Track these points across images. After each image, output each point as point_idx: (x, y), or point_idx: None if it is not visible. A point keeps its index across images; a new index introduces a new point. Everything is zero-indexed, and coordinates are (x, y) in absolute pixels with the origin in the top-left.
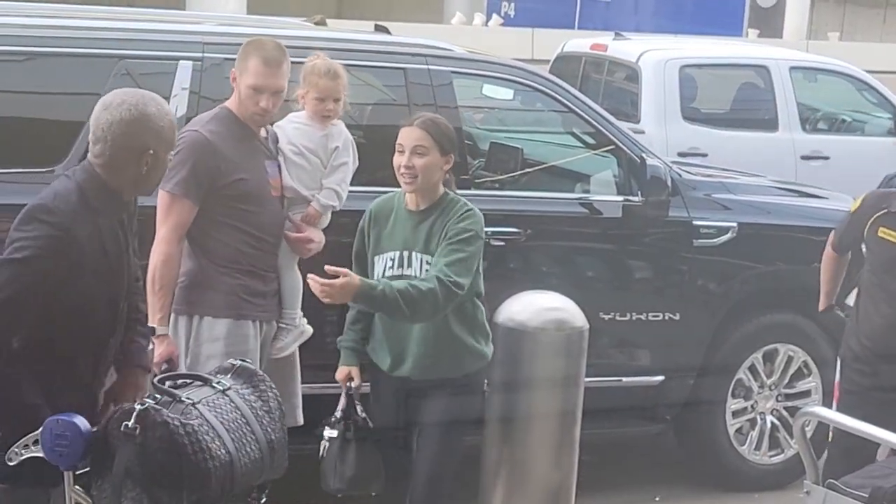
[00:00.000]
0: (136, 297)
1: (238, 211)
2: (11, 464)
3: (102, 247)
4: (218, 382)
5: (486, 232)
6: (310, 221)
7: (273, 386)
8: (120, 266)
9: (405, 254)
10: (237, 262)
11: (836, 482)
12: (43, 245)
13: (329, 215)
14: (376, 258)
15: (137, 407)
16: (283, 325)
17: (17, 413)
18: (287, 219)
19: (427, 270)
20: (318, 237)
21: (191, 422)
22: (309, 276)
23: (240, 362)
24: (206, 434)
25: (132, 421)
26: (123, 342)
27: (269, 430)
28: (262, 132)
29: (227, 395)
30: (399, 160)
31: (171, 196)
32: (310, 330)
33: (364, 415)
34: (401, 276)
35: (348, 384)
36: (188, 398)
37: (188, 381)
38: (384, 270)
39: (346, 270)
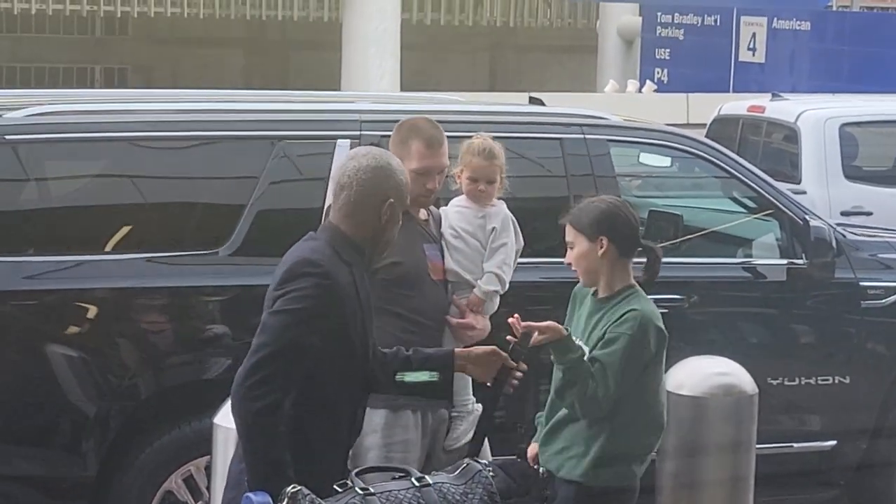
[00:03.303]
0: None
1: (394, 295)
2: None
3: (359, 297)
4: (420, 478)
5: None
6: (473, 308)
7: (491, 486)
8: (371, 319)
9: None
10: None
11: None
12: (315, 295)
13: (496, 300)
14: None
15: (288, 490)
16: (456, 414)
17: (261, 467)
18: (452, 303)
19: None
20: (481, 324)
21: None
22: (514, 316)
23: (468, 461)
24: None
25: (285, 502)
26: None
27: None
28: (423, 213)
29: (420, 491)
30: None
31: None
32: (480, 407)
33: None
34: None
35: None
36: (364, 488)
37: (397, 474)
38: None
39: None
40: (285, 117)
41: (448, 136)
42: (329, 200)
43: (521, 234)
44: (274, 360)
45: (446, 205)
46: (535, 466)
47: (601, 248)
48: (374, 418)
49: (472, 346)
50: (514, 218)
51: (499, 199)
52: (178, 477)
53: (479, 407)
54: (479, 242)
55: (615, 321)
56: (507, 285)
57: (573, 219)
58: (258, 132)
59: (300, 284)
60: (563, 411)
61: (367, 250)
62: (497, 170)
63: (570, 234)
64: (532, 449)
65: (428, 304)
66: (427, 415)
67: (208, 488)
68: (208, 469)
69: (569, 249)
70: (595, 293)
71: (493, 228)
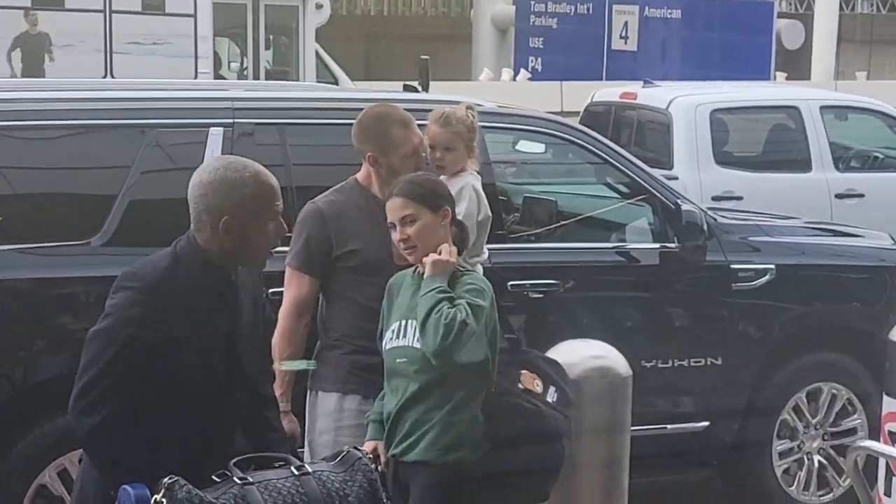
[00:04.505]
0: (259, 381)
1: (353, 283)
2: None
3: (195, 321)
4: (300, 466)
5: (525, 285)
6: None
7: (372, 474)
8: (222, 345)
9: (403, 323)
10: (349, 336)
11: None
12: (130, 309)
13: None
14: (386, 332)
15: (166, 480)
16: None
17: (113, 474)
18: None
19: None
20: None
21: (216, 501)
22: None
23: (349, 449)
24: None
25: (160, 495)
26: (259, 432)
27: None
28: None
29: (300, 479)
30: (395, 237)
31: (289, 269)
32: None
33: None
34: (396, 348)
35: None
36: (242, 478)
37: (280, 462)
38: (386, 343)
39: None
40: (157, 105)
41: (327, 123)
42: None
43: (486, 206)
44: (100, 381)
45: None
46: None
47: (445, 218)
48: (327, 402)
49: None
50: (479, 188)
51: (475, 172)
52: (52, 471)
53: None
54: None
55: (464, 287)
56: (461, 258)
57: (410, 192)
58: (129, 121)
59: (118, 300)
60: (406, 397)
61: (228, 263)
62: (455, 137)
63: (409, 208)
64: (370, 445)
65: None
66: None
67: None
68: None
69: (403, 225)
70: (421, 272)
71: None
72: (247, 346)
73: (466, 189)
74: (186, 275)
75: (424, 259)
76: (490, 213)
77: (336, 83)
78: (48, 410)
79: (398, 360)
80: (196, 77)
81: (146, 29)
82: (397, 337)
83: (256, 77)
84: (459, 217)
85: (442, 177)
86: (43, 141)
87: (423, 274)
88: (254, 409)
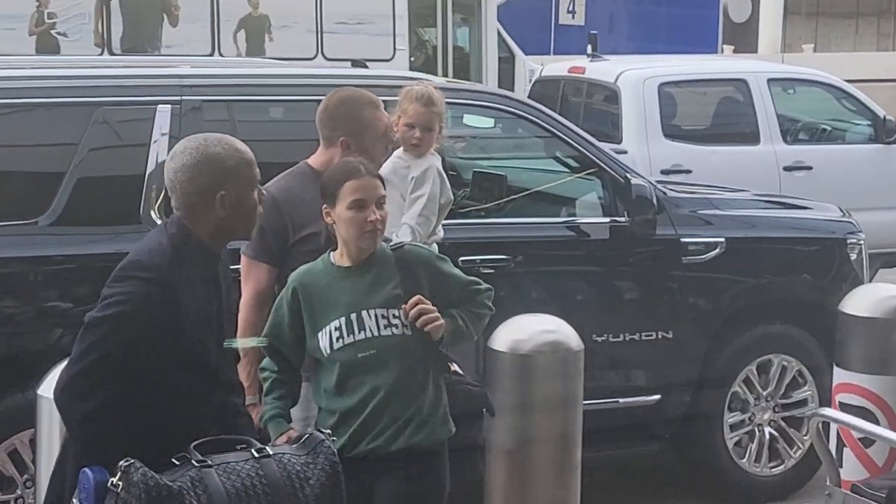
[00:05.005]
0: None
1: None
2: None
3: (198, 304)
4: (260, 449)
5: (476, 260)
6: None
7: (334, 457)
8: (214, 327)
9: (351, 317)
10: None
11: (859, 484)
12: (139, 300)
13: None
14: (319, 335)
15: (122, 463)
16: None
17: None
18: None
19: (387, 324)
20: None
21: (173, 483)
22: (415, 298)
23: (311, 432)
24: (190, 495)
25: (117, 478)
26: (227, 418)
27: (303, 498)
28: None
29: (260, 462)
30: (364, 215)
31: (246, 259)
32: None
33: None
34: (353, 344)
35: None
36: (201, 460)
37: (243, 445)
38: (331, 344)
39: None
40: (104, 83)
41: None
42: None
43: (449, 188)
44: (98, 368)
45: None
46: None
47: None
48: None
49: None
50: (442, 171)
51: (435, 153)
52: (3, 451)
53: None
54: (400, 195)
55: (419, 257)
56: (422, 238)
57: (379, 176)
58: (76, 98)
59: (125, 288)
60: (385, 388)
61: (220, 242)
62: (435, 117)
63: (382, 191)
64: (282, 439)
65: None
66: None
67: (34, 462)
68: (33, 443)
69: (379, 207)
70: (346, 263)
71: (413, 178)
72: (227, 331)
73: (431, 171)
74: (187, 262)
75: (430, 328)
76: (452, 196)
77: (513, 58)
78: None
79: (360, 355)
80: (394, 54)
81: (351, 10)
82: (350, 333)
83: (445, 56)
84: (423, 198)
85: (404, 155)
86: None
87: (336, 265)
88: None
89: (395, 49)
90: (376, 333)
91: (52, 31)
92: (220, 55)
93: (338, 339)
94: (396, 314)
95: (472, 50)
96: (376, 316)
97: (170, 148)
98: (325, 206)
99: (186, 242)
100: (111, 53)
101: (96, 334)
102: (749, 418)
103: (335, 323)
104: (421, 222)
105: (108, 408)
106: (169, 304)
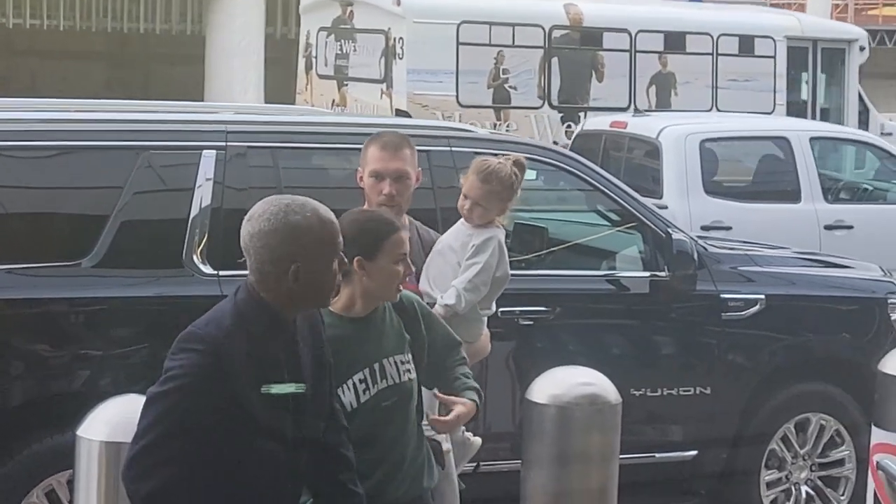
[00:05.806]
0: (336, 439)
1: None
2: None
3: (261, 379)
4: None
5: (515, 311)
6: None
7: None
8: (289, 402)
9: (375, 367)
10: None
11: None
12: (194, 374)
13: (480, 347)
14: (340, 390)
15: None
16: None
17: None
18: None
19: (406, 370)
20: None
21: None
22: (430, 417)
23: None
24: None
25: None
26: (332, 499)
27: None
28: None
29: None
30: (404, 270)
31: None
32: (478, 441)
33: None
34: (378, 393)
35: None
36: None
37: None
38: (357, 397)
39: (459, 400)
40: (150, 127)
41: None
42: (195, 212)
43: (507, 264)
44: (159, 446)
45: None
46: None
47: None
48: None
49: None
50: (503, 244)
51: (502, 226)
52: (41, 491)
53: (478, 440)
54: (458, 260)
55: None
56: (467, 305)
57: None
58: (122, 142)
59: (181, 361)
60: (406, 434)
61: (293, 311)
62: (490, 195)
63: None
64: None
65: None
66: None
67: (71, 502)
68: (70, 483)
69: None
70: (355, 314)
71: (473, 246)
72: (311, 402)
73: (492, 242)
74: (252, 331)
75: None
76: (508, 272)
77: (867, 112)
78: (37, 431)
79: (384, 404)
80: (774, 108)
81: (741, 69)
82: (375, 383)
83: (814, 110)
84: (478, 266)
85: (467, 226)
86: (35, 161)
87: (346, 317)
88: (326, 471)
89: (775, 104)
90: (397, 381)
91: (506, 85)
92: (636, 107)
93: (364, 392)
94: (406, 360)
95: (834, 105)
96: (395, 363)
97: (214, 193)
98: (357, 256)
99: (256, 311)
100: (550, 106)
101: (156, 410)
102: (786, 476)
103: (359, 375)
104: (469, 288)
105: (174, 485)
106: (223, 376)
